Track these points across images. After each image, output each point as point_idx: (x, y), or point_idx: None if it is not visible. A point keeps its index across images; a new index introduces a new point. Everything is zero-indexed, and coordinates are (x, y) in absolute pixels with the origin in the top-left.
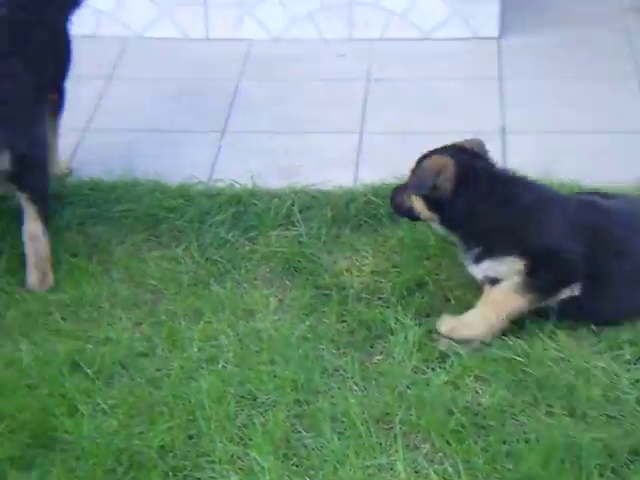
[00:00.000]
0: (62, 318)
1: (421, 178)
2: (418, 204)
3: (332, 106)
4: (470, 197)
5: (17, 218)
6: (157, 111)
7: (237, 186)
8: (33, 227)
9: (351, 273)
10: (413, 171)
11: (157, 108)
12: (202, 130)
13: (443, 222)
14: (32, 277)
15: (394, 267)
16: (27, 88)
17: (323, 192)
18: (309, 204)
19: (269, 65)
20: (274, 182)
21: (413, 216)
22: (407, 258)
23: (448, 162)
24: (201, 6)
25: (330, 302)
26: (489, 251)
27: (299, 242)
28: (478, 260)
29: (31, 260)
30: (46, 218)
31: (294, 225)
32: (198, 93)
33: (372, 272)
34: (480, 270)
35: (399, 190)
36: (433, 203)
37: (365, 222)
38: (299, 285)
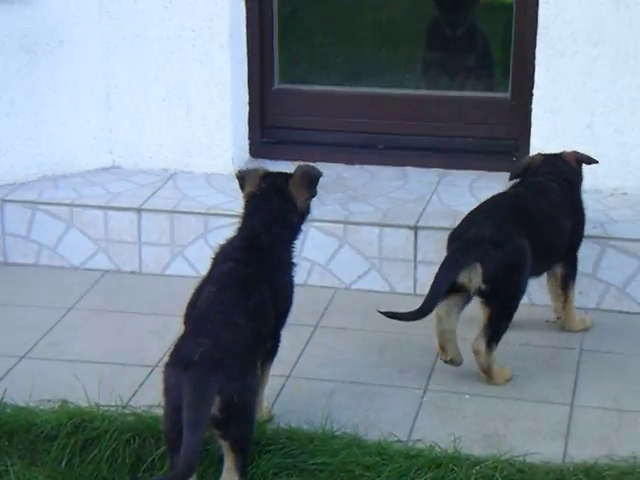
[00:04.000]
0: None
1: None
2: None
3: (541, 373)
4: None
5: (217, 463)
6: (359, 363)
7: (437, 449)
8: (228, 478)
9: None
10: None
11: (360, 359)
12: (404, 385)
13: None
14: None
15: None
16: (247, 338)
17: (529, 465)
18: (512, 477)
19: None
20: (476, 449)
21: None
22: None
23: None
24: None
25: None
26: None
27: None
28: None
29: None
30: (244, 470)
31: None
32: (402, 347)
33: None
34: None
35: None
36: None
37: None
38: None
